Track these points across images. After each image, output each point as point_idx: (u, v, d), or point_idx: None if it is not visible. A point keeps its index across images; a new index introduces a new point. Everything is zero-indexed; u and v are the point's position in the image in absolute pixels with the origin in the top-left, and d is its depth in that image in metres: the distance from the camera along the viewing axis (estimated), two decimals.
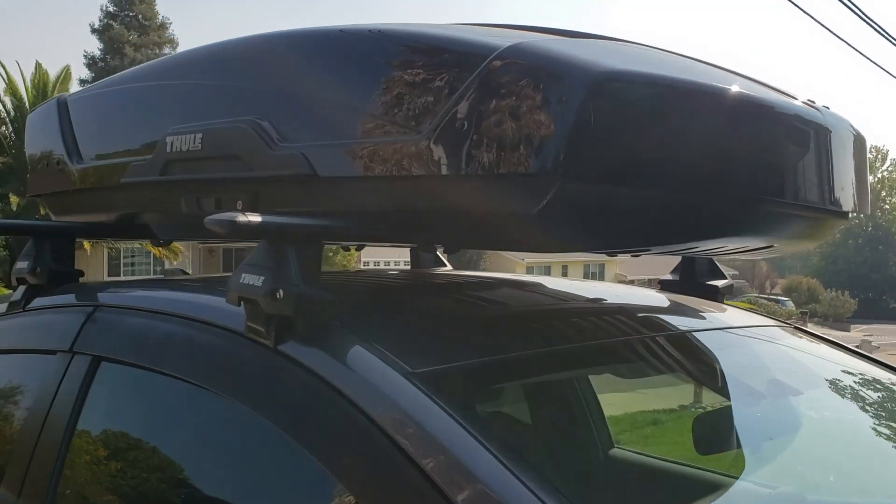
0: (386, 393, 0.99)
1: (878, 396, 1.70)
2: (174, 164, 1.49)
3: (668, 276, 2.04)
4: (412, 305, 1.52)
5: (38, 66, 25.96)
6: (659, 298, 1.88)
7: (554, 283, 1.87)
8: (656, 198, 1.09)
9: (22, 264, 1.68)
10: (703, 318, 1.72)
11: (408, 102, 1.16)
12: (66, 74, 27.05)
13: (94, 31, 44.16)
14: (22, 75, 26.02)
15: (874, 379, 1.67)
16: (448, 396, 0.99)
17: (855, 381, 1.68)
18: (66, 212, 1.88)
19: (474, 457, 0.91)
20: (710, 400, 1.69)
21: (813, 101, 1.28)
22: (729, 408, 1.56)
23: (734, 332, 1.73)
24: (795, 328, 1.86)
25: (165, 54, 45.82)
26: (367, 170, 1.19)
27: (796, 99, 1.25)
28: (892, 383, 1.68)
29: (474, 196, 1.12)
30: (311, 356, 1.07)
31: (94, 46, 47.37)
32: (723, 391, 1.56)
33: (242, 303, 1.12)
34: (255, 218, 1.08)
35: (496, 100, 1.05)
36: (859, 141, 1.38)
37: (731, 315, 1.81)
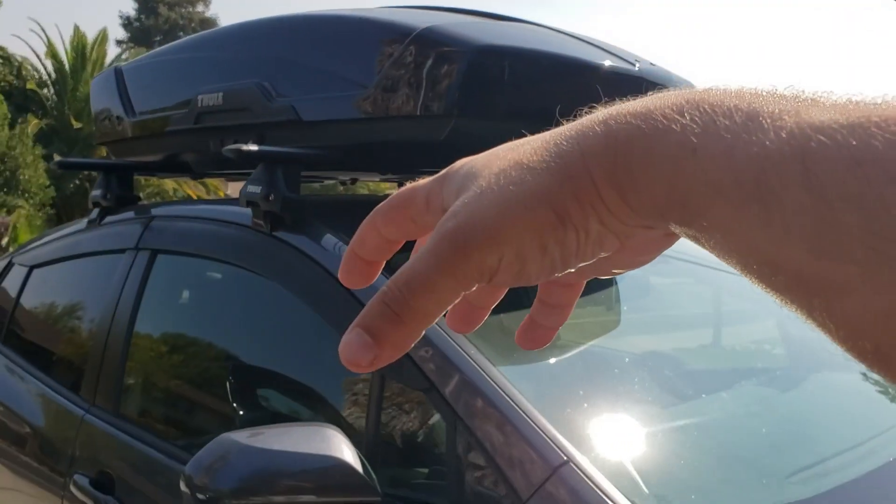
0: (339, 257, 1.56)
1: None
2: (204, 116, 2.06)
3: None
4: (360, 209, 2.10)
5: (76, 29, 26.57)
6: None
7: None
8: (516, 129, 1.65)
9: (96, 192, 2.28)
10: None
11: (359, 66, 1.71)
12: (102, 37, 27.64)
13: None
14: (61, 39, 26.75)
15: None
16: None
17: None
18: (124, 154, 2.47)
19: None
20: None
21: (638, 60, 1.80)
22: None
23: None
24: None
25: (199, 12, 46.23)
26: (334, 115, 1.75)
27: (626, 60, 1.77)
28: None
29: (403, 130, 1.68)
30: (294, 238, 1.64)
31: (129, 7, 48.03)
32: None
33: (249, 205, 1.70)
34: (255, 147, 1.65)
35: (414, 65, 1.60)
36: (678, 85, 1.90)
37: None
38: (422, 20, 1.71)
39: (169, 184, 19.06)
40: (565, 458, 1.09)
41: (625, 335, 1.82)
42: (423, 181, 0.39)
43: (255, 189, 1.66)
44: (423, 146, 1.69)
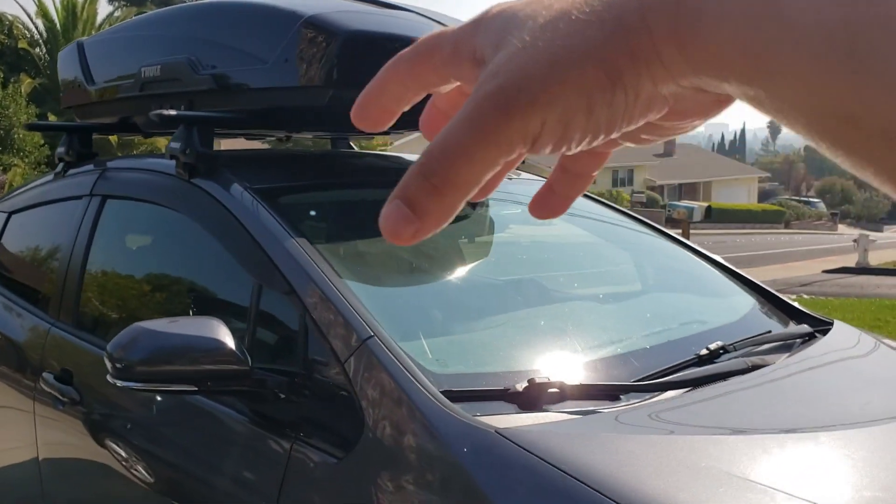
0: (236, 197, 2.00)
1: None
2: (147, 85, 2.49)
3: None
4: (281, 161, 2.56)
5: None
6: None
7: (408, 156, 2.83)
8: None
9: (61, 149, 2.73)
10: None
11: (261, 45, 2.14)
12: None
13: None
14: None
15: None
16: (274, 205, 1.99)
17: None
18: (86, 117, 2.90)
19: (287, 244, 1.87)
20: None
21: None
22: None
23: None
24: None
25: None
26: (242, 83, 2.19)
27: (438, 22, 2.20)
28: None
29: (293, 98, 2.11)
30: (206, 185, 2.07)
31: None
32: None
33: (172, 158, 2.14)
34: (173, 112, 2.10)
35: (302, 44, 2.03)
36: None
37: (513, 175, 2.78)
38: (312, 8, 2.13)
39: (161, 142, 19.38)
40: (371, 332, 1.56)
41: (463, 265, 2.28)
42: (451, 28, 0.37)
43: (176, 145, 2.10)
44: (310, 111, 2.14)
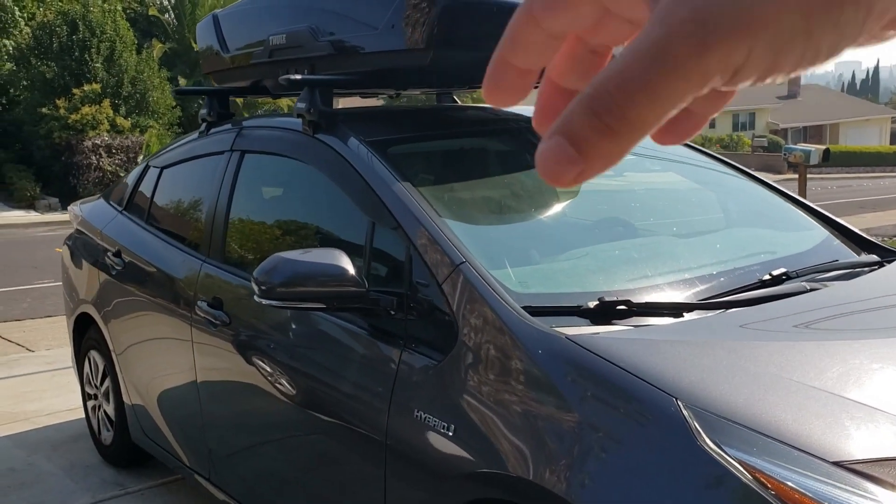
0: (353, 149, 2.32)
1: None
2: (275, 52, 2.85)
3: None
4: (391, 117, 2.88)
5: None
6: None
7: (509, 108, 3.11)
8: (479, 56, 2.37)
9: (203, 111, 3.15)
10: None
11: (371, 13, 2.45)
12: None
13: None
14: None
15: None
16: (384, 154, 2.30)
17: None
18: (223, 81, 3.30)
19: (395, 188, 2.19)
20: None
21: None
22: None
23: None
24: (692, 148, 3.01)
25: None
26: (356, 48, 2.51)
27: None
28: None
29: (399, 59, 2.42)
30: (327, 139, 2.41)
31: None
32: None
33: (298, 116, 2.49)
34: (298, 77, 2.44)
35: (406, 11, 2.32)
36: None
37: None
38: None
39: (282, 102, 20.16)
40: (464, 259, 1.86)
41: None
42: None
43: (301, 105, 2.45)
44: (415, 70, 2.44)
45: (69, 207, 4.17)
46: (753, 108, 50.58)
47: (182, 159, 3.27)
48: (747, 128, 49.02)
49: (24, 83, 20.42)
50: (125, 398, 3.45)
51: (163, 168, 3.39)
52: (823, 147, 15.84)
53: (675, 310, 1.86)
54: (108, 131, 19.52)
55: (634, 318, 1.81)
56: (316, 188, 2.53)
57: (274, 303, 1.99)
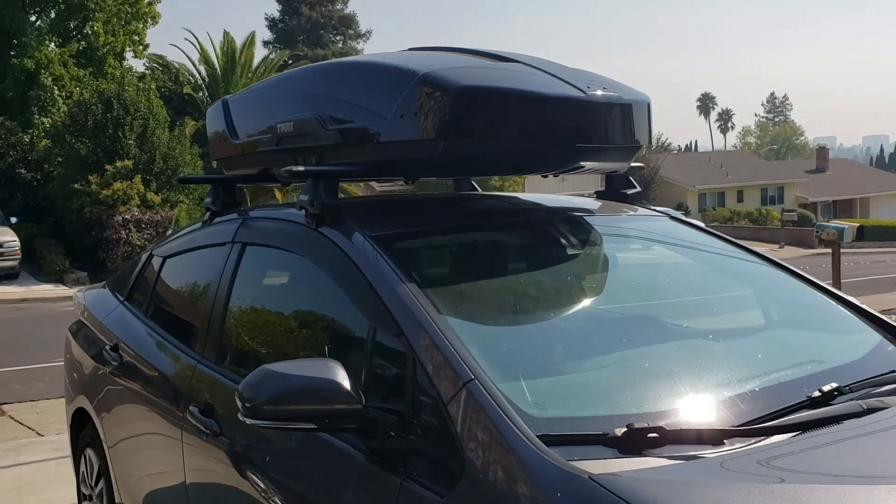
0: (356, 244, 2.15)
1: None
2: (282, 140, 2.71)
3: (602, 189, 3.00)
4: (400, 207, 2.70)
5: (225, 34, 28.58)
6: (581, 202, 2.89)
7: (526, 196, 2.92)
8: (492, 148, 2.21)
9: (207, 199, 3.01)
10: (594, 211, 2.72)
11: (380, 102, 2.30)
12: (250, 40, 29.55)
13: None
14: (212, 45, 28.74)
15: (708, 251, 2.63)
16: (389, 251, 2.12)
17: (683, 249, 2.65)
18: (231, 168, 3.17)
19: (398, 289, 2.00)
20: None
21: (592, 84, 2.30)
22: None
23: (614, 218, 2.72)
24: (672, 217, 2.82)
25: (338, 10, 47.96)
26: (365, 137, 2.36)
27: (576, 86, 2.27)
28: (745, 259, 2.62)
29: (409, 150, 2.26)
30: (330, 233, 2.24)
31: (274, 9, 50.53)
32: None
33: (302, 209, 2.32)
34: (300, 168, 2.29)
35: (417, 100, 2.17)
36: (634, 104, 2.40)
37: (627, 210, 2.80)
38: (426, 65, 2.27)
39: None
40: (472, 375, 1.65)
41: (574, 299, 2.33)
42: None
43: (304, 198, 2.29)
44: (425, 161, 2.27)
45: (74, 294, 4.04)
46: (782, 182, 50.39)
47: (184, 249, 3.12)
48: (776, 202, 48.78)
49: (59, 159, 20.85)
50: (117, 499, 3.23)
51: (165, 257, 3.25)
52: (857, 224, 15.57)
53: (716, 437, 1.62)
54: (138, 206, 19.77)
55: (668, 448, 1.58)
56: (317, 286, 2.35)
57: (260, 422, 1.78)
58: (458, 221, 2.55)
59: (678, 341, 2.23)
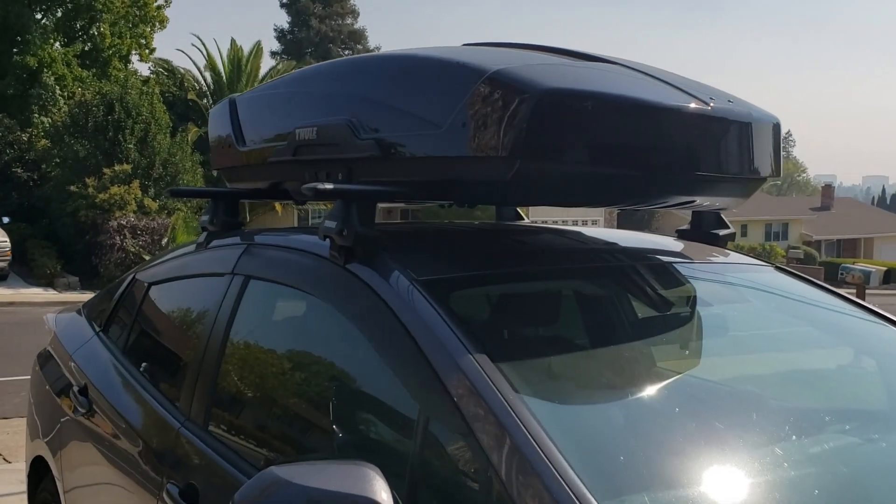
0: (400, 292, 1.61)
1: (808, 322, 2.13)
2: (301, 149, 2.17)
3: (686, 227, 2.47)
4: (444, 241, 2.16)
5: (232, 42, 28.24)
6: (662, 242, 2.36)
7: (590, 232, 2.39)
8: (585, 172, 1.65)
9: (204, 217, 2.46)
10: (688, 256, 2.19)
11: (434, 106, 1.77)
12: (257, 49, 29.22)
13: (282, 5, 47.02)
14: (219, 52, 28.39)
15: (826, 308, 2.09)
16: (446, 303, 1.59)
17: (797, 308, 2.12)
18: (235, 180, 2.64)
19: (446, 334, 1.48)
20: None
21: (715, 97, 1.76)
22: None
23: (714, 267, 2.19)
24: (777, 267, 2.29)
25: (347, 24, 47.85)
26: (410, 150, 1.82)
27: (698, 97, 1.73)
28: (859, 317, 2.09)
29: (471, 169, 1.72)
30: (364, 272, 1.71)
31: (283, 20, 50.38)
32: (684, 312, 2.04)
33: (326, 238, 1.79)
34: (329, 186, 1.75)
35: (483, 106, 1.64)
36: (762, 125, 1.86)
37: (723, 256, 2.27)
38: (495, 61, 1.74)
39: None
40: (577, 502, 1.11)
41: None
42: None
43: (331, 224, 1.75)
44: (490, 184, 1.73)
45: (45, 317, 3.47)
46: (787, 218, 50.07)
47: (174, 276, 2.57)
48: (780, 238, 48.44)
49: (57, 160, 20.33)
50: None
51: (150, 284, 2.69)
52: (884, 268, 15.07)
53: None
54: (134, 212, 19.24)
55: None
56: (343, 343, 1.81)
57: None
58: (529, 264, 1.99)
59: (801, 439, 1.68)
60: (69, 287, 18.28)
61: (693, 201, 1.89)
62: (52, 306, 16.06)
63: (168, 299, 2.60)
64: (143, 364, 2.46)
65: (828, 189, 57.56)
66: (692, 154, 1.74)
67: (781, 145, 1.93)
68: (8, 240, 18.30)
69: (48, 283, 18.45)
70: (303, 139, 2.16)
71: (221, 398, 2.03)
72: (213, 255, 2.36)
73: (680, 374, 1.75)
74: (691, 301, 2.02)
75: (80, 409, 2.58)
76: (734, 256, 2.29)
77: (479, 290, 1.81)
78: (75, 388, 2.66)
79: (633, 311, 1.98)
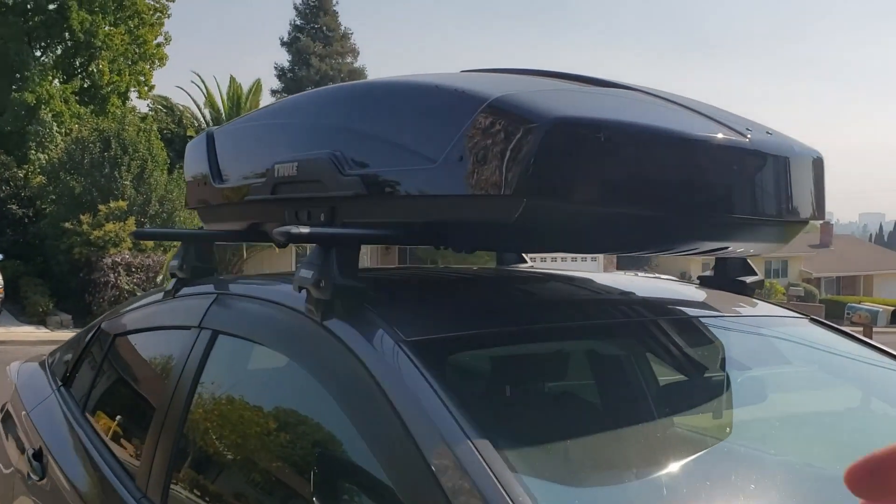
0: (385, 356, 1.37)
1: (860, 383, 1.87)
2: (280, 186, 1.94)
3: (708, 273, 2.24)
4: (438, 291, 1.91)
5: (232, 79, 28.23)
6: (685, 291, 2.12)
7: (597, 277, 2.15)
8: (600, 212, 1.41)
9: (174, 263, 2.21)
10: (716, 308, 1.95)
11: (427, 138, 1.54)
12: (257, 87, 29.22)
13: (283, 44, 47.27)
14: (219, 89, 28.38)
15: (868, 364, 1.84)
16: (440, 370, 1.35)
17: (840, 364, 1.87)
18: (211, 220, 2.40)
19: (438, 411, 1.24)
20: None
21: (752, 129, 1.53)
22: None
23: (745, 320, 1.94)
24: (812, 319, 2.04)
25: (348, 63, 48.20)
26: (401, 188, 1.58)
27: (734, 129, 1.50)
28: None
29: (470, 209, 1.48)
30: (343, 331, 1.46)
31: (284, 59, 50.64)
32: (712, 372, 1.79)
33: (301, 290, 1.54)
34: (305, 230, 1.50)
35: (484, 138, 1.40)
36: (804, 160, 1.62)
37: (752, 308, 2.02)
38: (497, 87, 1.51)
39: None
40: None
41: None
42: None
43: (306, 273, 1.51)
44: (493, 226, 1.49)
45: (8, 367, 3.20)
46: (787, 255, 49.95)
47: (139, 328, 2.31)
48: (780, 275, 48.30)
49: (52, 197, 20.16)
50: None
51: (116, 335, 2.43)
52: (891, 308, 14.84)
53: None
54: (129, 249, 19.02)
55: None
56: (318, 412, 1.55)
57: None
58: (537, 320, 1.71)
59: None
60: (61, 325, 17.98)
61: (726, 248, 1.65)
62: (43, 345, 15.75)
63: (132, 354, 2.34)
64: (101, 429, 2.20)
65: (826, 226, 57.53)
66: (726, 193, 1.49)
67: (825, 184, 1.69)
68: (1, 277, 18.06)
69: (40, 321, 18.15)
70: (282, 175, 1.92)
71: (181, 472, 1.77)
72: (180, 304, 2.11)
73: (719, 454, 1.49)
74: (722, 363, 1.77)
75: (32, 475, 2.31)
76: (762, 307, 2.05)
77: (478, 353, 1.56)
78: (29, 452, 2.39)
79: (654, 378, 1.73)
